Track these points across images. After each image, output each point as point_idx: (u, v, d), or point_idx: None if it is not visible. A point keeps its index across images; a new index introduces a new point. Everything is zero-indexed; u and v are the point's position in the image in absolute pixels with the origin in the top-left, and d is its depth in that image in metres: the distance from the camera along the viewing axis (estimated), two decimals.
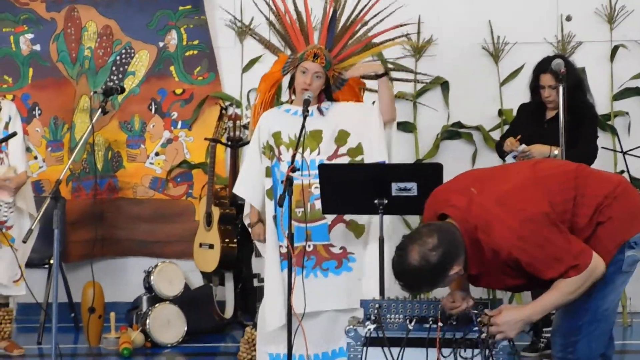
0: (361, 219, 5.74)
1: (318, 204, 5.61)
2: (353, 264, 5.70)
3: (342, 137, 5.73)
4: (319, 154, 5.67)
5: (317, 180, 5.54)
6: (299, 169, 5.32)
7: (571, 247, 4.09)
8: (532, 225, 4.06)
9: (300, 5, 6.20)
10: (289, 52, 6.14)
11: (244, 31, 8.23)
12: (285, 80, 5.98)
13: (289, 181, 5.14)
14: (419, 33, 8.12)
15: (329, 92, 5.87)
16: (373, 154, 5.71)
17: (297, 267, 5.34)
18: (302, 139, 5.34)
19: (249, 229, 6.02)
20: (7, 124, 6.86)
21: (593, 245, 4.16)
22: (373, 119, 5.74)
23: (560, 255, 4.08)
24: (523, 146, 6.56)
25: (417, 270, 4.09)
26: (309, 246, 5.62)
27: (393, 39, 6.28)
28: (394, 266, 4.19)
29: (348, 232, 5.71)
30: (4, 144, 6.78)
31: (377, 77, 5.70)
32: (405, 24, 6.24)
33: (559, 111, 6.00)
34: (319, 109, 5.78)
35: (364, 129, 5.74)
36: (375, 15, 6.14)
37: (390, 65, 6.60)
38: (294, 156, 5.28)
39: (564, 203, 4.16)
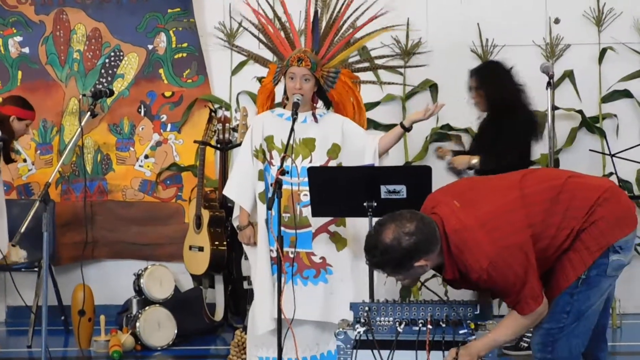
0: (345, 232, 5.77)
1: (305, 211, 5.63)
2: (330, 277, 5.72)
3: (334, 150, 5.75)
4: (310, 161, 5.69)
5: (306, 187, 5.56)
6: (287, 172, 5.34)
7: (532, 287, 4.19)
8: (506, 255, 4.14)
9: (280, 12, 6.23)
10: (276, 60, 6.17)
11: (232, 37, 8.23)
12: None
13: (278, 184, 5.15)
14: (407, 36, 8.13)
15: (322, 94, 5.89)
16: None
17: (283, 273, 5.36)
18: (291, 141, 5.36)
19: (238, 232, 6.02)
20: None
21: (576, 247, 4.22)
22: (369, 147, 5.76)
23: (520, 290, 4.18)
24: (448, 158, 6.66)
25: (386, 249, 4.16)
26: (292, 253, 5.63)
27: (376, 31, 6.28)
28: (367, 238, 4.28)
29: (330, 243, 5.73)
30: None
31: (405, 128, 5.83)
32: (385, 12, 6.25)
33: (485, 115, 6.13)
34: (313, 114, 5.79)
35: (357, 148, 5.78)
36: (356, 10, 6.16)
37: (378, 62, 6.61)
38: (283, 159, 5.29)
39: (546, 222, 4.24)
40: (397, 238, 4.13)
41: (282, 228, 5.38)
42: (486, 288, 4.29)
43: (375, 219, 5.42)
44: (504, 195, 4.30)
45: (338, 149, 5.74)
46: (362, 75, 6.33)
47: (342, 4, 6.13)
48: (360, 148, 5.74)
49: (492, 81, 6.95)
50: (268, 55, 6.34)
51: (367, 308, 4.49)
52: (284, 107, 5.88)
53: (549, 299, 4.29)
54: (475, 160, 6.69)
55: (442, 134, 8.21)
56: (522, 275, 4.15)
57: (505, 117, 6.76)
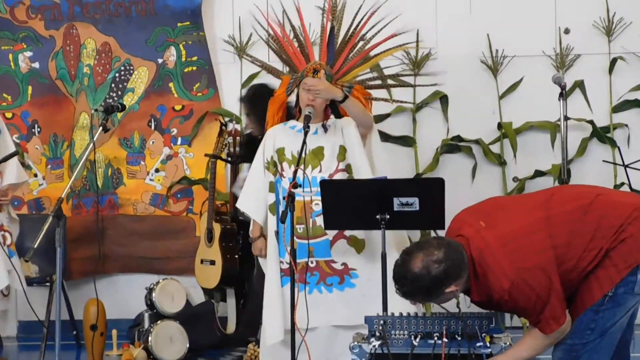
0: (361, 234, 5.76)
1: (319, 221, 5.64)
2: (355, 280, 5.71)
3: (342, 152, 5.76)
4: (320, 171, 5.70)
5: (319, 197, 5.56)
6: (300, 185, 5.34)
7: (554, 308, 4.17)
8: (528, 276, 4.12)
9: (295, 21, 6.23)
10: (287, 71, 6.17)
11: (242, 50, 8.23)
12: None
13: (290, 197, 5.16)
14: (417, 47, 8.13)
15: (335, 107, 5.89)
16: (359, 172, 5.75)
17: (299, 283, 5.35)
18: (303, 155, 5.36)
19: (252, 244, 6.04)
20: None
21: (604, 264, 4.19)
22: (353, 135, 5.76)
23: (541, 311, 4.17)
24: None
25: (416, 278, 4.13)
26: (312, 262, 5.63)
27: (391, 49, 6.29)
28: (395, 268, 4.24)
29: (349, 247, 5.73)
30: None
31: (340, 102, 5.71)
32: (401, 33, 6.25)
33: None
34: (323, 125, 5.80)
35: (351, 144, 5.77)
36: (372, 29, 6.16)
37: (390, 81, 6.61)
38: (295, 172, 5.31)
39: (572, 243, 4.21)
40: (426, 267, 4.10)
41: (298, 239, 5.38)
42: (509, 309, 4.28)
43: (388, 232, 5.47)
44: (527, 216, 4.28)
45: (344, 150, 5.75)
46: (374, 92, 6.35)
47: (360, 21, 6.13)
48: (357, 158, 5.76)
49: (262, 105, 6.89)
50: (278, 67, 6.35)
51: (382, 321, 4.47)
52: (297, 119, 5.89)
53: (574, 315, 4.27)
54: None
55: (453, 145, 8.20)
56: (543, 296, 4.13)
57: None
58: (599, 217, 4.23)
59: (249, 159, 6.57)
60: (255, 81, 8.15)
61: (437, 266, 4.11)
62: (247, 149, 7.11)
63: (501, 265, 4.11)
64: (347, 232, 5.73)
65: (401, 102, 7.16)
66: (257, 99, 7.03)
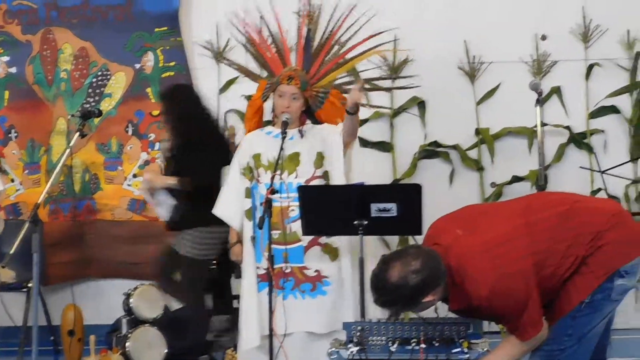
0: (335, 241, 5.76)
1: (294, 227, 5.64)
2: (327, 288, 5.72)
3: (319, 159, 5.76)
4: (296, 176, 5.70)
5: (296, 203, 5.56)
6: (278, 191, 5.34)
7: (531, 315, 4.18)
8: (507, 282, 4.13)
9: (273, 27, 6.24)
10: (266, 76, 6.17)
11: (220, 54, 8.22)
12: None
13: (268, 203, 5.16)
14: (395, 53, 8.14)
15: (310, 113, 5.90)
16: (335, 181, 5.75)
17: (275, 289, 5.35)
18: (280, 161, 5.37)
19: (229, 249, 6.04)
20: None
21: (581, 271, 4.21)
22: (335, 143, 5.76)
23: (519, 317, 4.18)
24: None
25: (394, 289, 4.12)
26: (287, 268, 5.63)
27: (366, 51, 6.30)
28: (372, 278, 4.22)
29: (323, 254, 5.73)
30: None
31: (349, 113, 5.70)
32: (378, 33, 6.27)
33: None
34: (299, 131, 5.80)
35: (330, 151, 5.78)
36: (347, 31, 6.18)
37: (367, 86, 6.63)
38: (272, 178, 5.31)
39: (551, 250, 4.22)
40: (404, 277, 4.09)
41: (273, 245, 5.38)
42: (487, 316, 4.29)
43: (366, 237, 5.48)
44: (506, 223, 4.28)
45: (322, 157, 5.75)
46: None
47: (335, 25, 6.15)
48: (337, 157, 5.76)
49: (179, 106, 6.89)
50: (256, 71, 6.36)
51: (360, 327, 4.47)
52: (273, 125, 5.89)
53: (551, 321, 4.28)
54: (172, 180, 6.71)
55: (431, 150, 8.22)
56: (521, 303, 4.14)
57: (198, 141, 6.74)
58: (577, 224, 4.25)
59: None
60: (234, 87, 8.16)
61: (414, 276, 4.10)
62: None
63: (480, 272, 4.11)
64: (322, 240, 5.74)
65: (379, 107, 7.18)
66: (175, 98, 6.99)
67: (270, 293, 5.23)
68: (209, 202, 6.28)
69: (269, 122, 6.06)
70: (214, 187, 6.55)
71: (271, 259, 5.24)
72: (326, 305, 5.69)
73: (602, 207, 4.42)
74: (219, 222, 6.36)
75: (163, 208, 6.72)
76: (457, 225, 4.30)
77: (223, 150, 6.77)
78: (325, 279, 5.72)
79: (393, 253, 4.30)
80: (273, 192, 5.26)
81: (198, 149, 6.66)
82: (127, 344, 7.07)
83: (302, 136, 5.81)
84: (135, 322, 7.26)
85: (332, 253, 5.75)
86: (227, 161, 6.54)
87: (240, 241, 5.97)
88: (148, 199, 6.79)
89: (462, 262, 4.14)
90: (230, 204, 5.97)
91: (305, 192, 5.52)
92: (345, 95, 6.11)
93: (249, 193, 5.85)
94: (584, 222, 4.26)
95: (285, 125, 5.61)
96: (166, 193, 6.69)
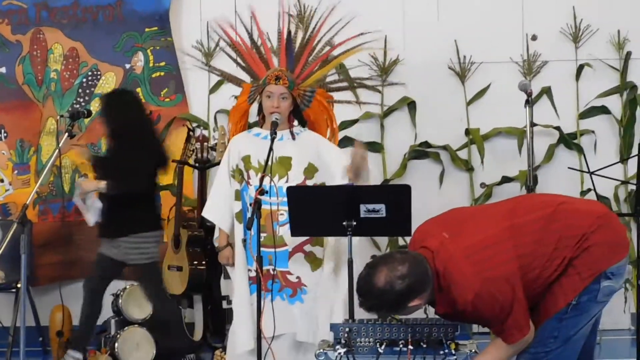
0: (321, 252, 5.76)
1: (282, 230, 5.63)
2: (305, 296, 5.71)
3: (310, 170, 5.74)
4: (287, 181, 5.68)
5: (284, 207, 5.55)
6: (267, 192, 5.32)
7: (517, 319, 4.18)
8: (492, 287, 4.12)
9: (254, 30, 6.23)
10: (251, 80, 6.17)
11: (210, 55, 8.21)
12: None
13: (257, 204, 5.15)
14: (385, 53, 8.14)
15: (298, 113, 5.88)
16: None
17: (263, 291, 5.35)
18: (269, 161, 5.35)
19: (218, 252, 6.02)
20: None
21: (568, 272, 4.21)
22: (337, 175, 5.75)
23: (504, 320, 4.17)
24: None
25: (380, 293, 4.11)
26: (274, 270, 5.62)
27: (351, 49, 6.29)
28: (358, 281, 4.22)
29: (305, 263, 5.72)
30: None
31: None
32: (366, 33, 6.26)
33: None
34: (291, 132, 5.78)
35: (328, 168, 5.77)
36: (331, 30, 6.18)
37: (356, 87, 6.62)
38: (262, 179, 5.29)
39: (536, 253, 4.21)
40: (390, 282, 4.09)
41: (261, 248, 5.36)
42: (473, 319, 4.28)
43: (355, 238, 5.47)
44: (492, 226, 4.28)
45: (314, 169, 5.73)
46: (340, 94, 6.35)
47: (317, 23, 6.15)
48: (332, 174, 5.73)
49: (115, 109, 6.98)
50: (244, 75, 6.34)
51: (347, 329, 4.46)
52: (261, 127, 5.87)
53: (537, 323, 4.28)
54: (102, 184, 6.72)
55: (420, 151, 8.22)
56: (507, 306, 4.13)
57: (130, 144, 6.81)
58: (563, 226, 4.25)
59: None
60: (225, 87, 8.14)
61: (400, 282, 4.10)
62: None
63: (465, 276, 4.11)
64: (307, 247, 5.73)
65: (367, 103, 7.17)
66: (111, 102, 7.07)
67: (258, 295, 5.22)
68: (143, 206, 6.30)
69: (255, 124, 6.04)
70: (147, 191, 6.60)
71: (260, 261, 5.23)
72: (302, 313, 5.69)
73: (588, 208, 4.41)
74: (155, 226, 6.55)
75: (91, 213, 6.71)
76: (444, 229, 4.30)
77: (154, 154, 6.85)
78: (304, 287, 5.72)
79: (379, 258, 4.29)
80: (262, 192, 5.23)
81: (128, 153, 6.73)
82: (115, 345, 7.08)
83: (293, 138, 5.79)
84: (124, 322, 7.26)
85: (314, 263, 5.75)
86: (161, 163, 6.61)
87: (229, 244, 5.95)
88: (79, 205, 6.78)
89: (448, 267, 4.14)
90: (220, 206, 5.94)
91: (294, 193, 5.50)
92: (333, 93, 6.12)
93: (239, 195, 5.83)
94: (570, 224, 4.25)
95: (275, 125, 5.59)
96: (95, 197, 6.69)
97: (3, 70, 8.48)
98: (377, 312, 4.28)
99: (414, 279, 4.11)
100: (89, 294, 6.91)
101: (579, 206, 4.46)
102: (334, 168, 5.72)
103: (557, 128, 8.10)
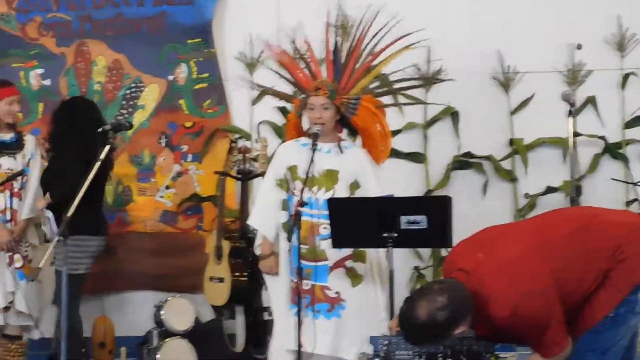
0: (362, 268, 5.74)
1: (323, 244, 5.62)
2: (343, 312, 5.69)
3: (354, 187, 5.74)
4: (333, 194, 5.67)
5: (326, 221, 5.54)
6: (307, 203, 5.33)
7: (554, 334, 4.15)
8: (528, 301, 4.11)
9: (312, 38, 6.24)
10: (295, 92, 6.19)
11: (253, 66, 8.20)
12: None
13: (297, 216, 5.15)
14: (428, 63, 8.11)
15: (345, 121, 5.88)
16: None
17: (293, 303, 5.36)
18: (310, 173, 5.36)
19: (260, 260, 6.02)
20: (29, 161, 6.94)
21: (605, 285, 4.16)
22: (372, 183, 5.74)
23: (542, 335, 4.15)
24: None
25: (423, 327, 4.11)
26: (307, 285, 5.61)
27: (392, 54, 6.27)
28: (400, 316, 4.22)
29: (346, 278, 5.70)
30: (24, 179, 6.89)
31: None
32: (405, 35, 6.24)
33: None
34: (338, 146, 5.77)
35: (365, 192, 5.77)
36: (374, 37, 6.16)
37: (401, 98, 6.61)
38: (302, 190, 5.30)
39: (571, 266, 4.19)
40: (432, 315, 4.08)
41: (301, 260, 5.36)
42: (511, 337, 4.25)
43: (395, 250, 5.45)
44: (525, 241, 4.26)
45: (357, 186, 5.74)
46: (383, 100, 6.33)
47: (361, 32, 6.14)
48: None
49: (52, 123, 7.03)
50: (286, 86, 6.35)
51: (386, 342, 4.45)
52: (309, 137, 5.87)
53: (575, 336, 4.24)
54: (47, 197, 6.72)
55: (463, 161, 8.16)
56: (544, 321, 4.11)
57: (58, 152, 6.87)
58: (596, 238, 4.22)
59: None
60: (267, 99, 8.12)
61: (442, 313, 4.10)
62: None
63: (501, 292, 4.09)
64: (349, 263, 5.71)
65: (412, 103, 7.11)
66: (63, 114, 7.08)
67: (299, 306, 5.22)
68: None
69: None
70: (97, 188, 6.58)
71: (300, 272, 5.23)
72: (337, 328, 5.66)
73: (621, 220, 4.38)
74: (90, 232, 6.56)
75: (48, 225, 6.64)
76: (478, 249, 4.29)
77: (84, 151, 6.63)
78: (342, 302, 5.70)
79: (417, 291, 4.32)
80: (302, 204, 5.24)
81: (56, 161, 6.80)
82: (157, 356, 7.09)
83: (341, 152, 5.78)
84: (166, 334, 7.27)
85: (355, 279, 5.74)
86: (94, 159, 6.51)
87: (273, 253, 5.95)
88: (45, 223, 6.74)
89: (484, 285, 4.13)
90: (265, 214, 5.96)
91: (335, 205, 5.51)
92: (378, 99, 6.11)
93: (285, 205, 5.83)
94: (604, 236, 4.22)
95: (315, 137, 5.60)
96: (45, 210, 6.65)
97: (47, 82, 8.54)
98: (422, 344, 4.29)
99: (455, 307, 4.10)
100: None
101: (611, 218, 4.42)
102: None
103: (602, 138, 8.01)
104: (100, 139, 6.54)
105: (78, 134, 6.83)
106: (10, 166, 6.89)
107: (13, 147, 6.96)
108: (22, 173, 6.78)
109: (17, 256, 6.84)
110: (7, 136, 6.97)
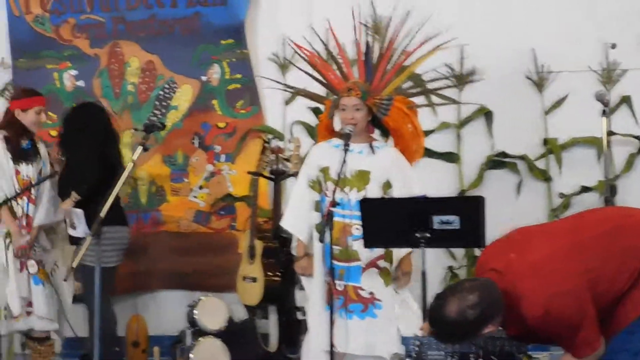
0: (392, 268, 5.74)
1: (356, 245, 5.61)
2: (378, 311, 5.70)
3: (385, 187, 5.74)
4: (365, 195, 5.67)
5: (359, 221, 5.54)
6: (339, 204, 5.33)
7: (587, 334, 4.13)
8: (561, 301, 4.08)
9: (341, 39, 6.23)
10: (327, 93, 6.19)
11: (286, 67, 8.21)
12: None
13: (329, 216, 5.15)
14: (462, 63, 8.08)
15: (377, 122, 5.87)
16: None
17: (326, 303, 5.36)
18: (341, 173, 5.36)
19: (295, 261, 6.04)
20: (41, 169, 6.99)
21: (638, 285, 4.13)
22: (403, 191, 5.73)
23: (574, 336, 4.12)
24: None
25: (453, 324, 4.09)
26: (340, 285, 5.61)
27: (425, 55, 6.26)
28: (430, 313, 4.20)
29: (379, 278, 5.70)
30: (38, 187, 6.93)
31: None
32: (438, 34, 6.23)
33: None
34: (370, 146, 5.77)
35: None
36: (410, 41, 6.15)
37: (434, 99, 6.59)
38: (334, 191, 5.30)
39: (604, 266, 4.16)
40: (462, 313, 4.06)
41: (333, 261, 5.36)
42: (544, 338, 4.22)
43: (428, 250, 5.43)
44: (557, 242, 4.24)
45: (388, 186, 5.73)
46: (416, 100, 6.31)
47: (393, 32, 6.14)
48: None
49: (68, 121, 7.13)
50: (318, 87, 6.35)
51: (418, 342, 4.44)
52: (341, 138, 5.87)
53: (608, 336, 4.21)
54: (72, 196, 6.71)
55: (497, 161, 8.13)
56: (576, 321, 4.09)
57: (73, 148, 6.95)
58: (629, 238, 4.19)
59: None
60: (300, 99, 8.11)
61: (472, 311, 4.07)
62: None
63: (534, 292, 4.07)
64: (381, 263, 5.71)
65: (446, 103, 7.09)
66: (76, 119, 7.16)
67: (331, 306, 5.22)
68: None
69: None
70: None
71: (332, 273, 5.23)
72: (373, 328, 5.65)
73: None
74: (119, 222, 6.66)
75: (78, 223, 6.60)
76: (510, 249, 4.27)
77: (96, 149, 6.83)
78: (377, 302, 5.69)
79: (447, 288, 4.28)
80: (334, 204, 5.25)
81: (75, 158, 6.89)
82: (190, 356, 7.11)
83: (373, 152, 5.78)
84: (199, 333, 7.29)
85: (388, 278, 5.74)
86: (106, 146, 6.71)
87: (307, 254, 5.96)
88: (70, 230, 6.74)
89: (516, 285, 4.11)
90: (298, 216, 5.97)
91: (367, 205, 5.51)
92: (410, 99, 6.10)
93: (318, 206, 5.84)
94: (636, 235, 4.19)
95: (347, 137, 5.60)
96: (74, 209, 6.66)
97: (81, 83, 8.59)
98: (451, 342, 4.27)
99: (485, 305, 4.08)
100: None
101: None
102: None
103: (637, 137, 7.94)
104: (111, 139, 6.67)
105: (89, 134, 6.91)
106: (29, 173, 6.93)
107: (31, 154, 7.00)
108: (53, 175, 6.82)
109: (31, 262, 6.87)
110: (24, 143, 7.01)
